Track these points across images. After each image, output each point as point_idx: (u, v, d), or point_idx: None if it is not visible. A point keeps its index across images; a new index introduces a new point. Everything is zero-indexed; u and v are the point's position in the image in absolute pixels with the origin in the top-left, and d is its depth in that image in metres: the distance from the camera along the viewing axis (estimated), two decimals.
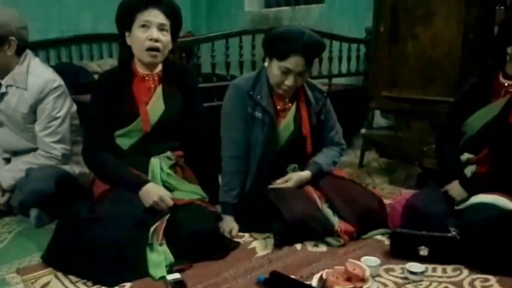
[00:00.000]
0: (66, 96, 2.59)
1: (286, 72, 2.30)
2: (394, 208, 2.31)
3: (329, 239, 2.21)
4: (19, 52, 2.50)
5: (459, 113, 2.36)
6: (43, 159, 2.52)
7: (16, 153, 2.63)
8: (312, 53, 2.31)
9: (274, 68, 2.33)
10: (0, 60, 2.45)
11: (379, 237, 2.30)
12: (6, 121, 2.56)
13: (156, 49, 2.19)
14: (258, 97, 2.37)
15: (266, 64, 2.41)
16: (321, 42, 2.37)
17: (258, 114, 2.37)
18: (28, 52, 2.56)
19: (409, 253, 2.04)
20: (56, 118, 2.53)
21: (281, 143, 2.42)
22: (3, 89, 2.50)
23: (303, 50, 2.26)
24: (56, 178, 2.42)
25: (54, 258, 2.03)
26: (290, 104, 2.46)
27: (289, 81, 2.31)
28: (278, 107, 2.43)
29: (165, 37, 2.22)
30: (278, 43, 2.31)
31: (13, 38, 2.43)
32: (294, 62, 2.27)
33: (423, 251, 2.03)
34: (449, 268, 2.00)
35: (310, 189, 2.37)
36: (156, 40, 2.18)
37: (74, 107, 2.69)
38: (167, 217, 2.05)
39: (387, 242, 2.22)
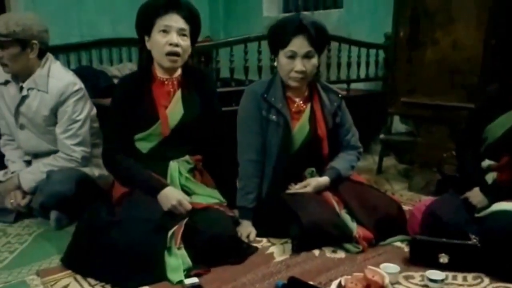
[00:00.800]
0: (86, 99, 2.62)
1: (292, 56, 2.32)
2: (413, 215, 2.29)
3: (348, 245, 2.19)
4: (41, 55, 2.54)
5: (480, 119, 2.34)
6: (63, 161, 2.54)
7: (37, 155, 2.67)
8: (314, 32, 2.30)
9: (282, 59, 2.35)
10: (23, 63, 2.49)
11: (398, 243, 2.28)
12: (27, 123, 2.59)
13: (176, 54, 2.21)
14: (272, 99, 2.38)
15: (275, 63, 2.44)
16: (319, 21, 2.38)
17: (273, 117, 2.38)
18: (49, 56, 2.60)
19: (429, 260, 2.01)
20: (77, 121, 2.55)
21: (296, 146, 2.41)
22: (25, 92, 2.53)
23: (302, 29, 2.29)
24: (76, 181, 2.45)
25: (73, 261, 2.04)
26: (304, 106, 2.45)
27: (297, 66, 2.31)
28: (293, 110, 2.43)
29: (185, 42, 2.23)
30: (278, 32, 2.36)
31: (35, 41, 2.47)
32: (297, 43, 2.30)
33: (443, 259, 2.01)
34: (469, 276, 1.97)
35: (328, 194, 2.35)
36: (176, 45, 2.20)
37: (94, 110, 2.72)
38: (185, 221, 2.06)
39: (406, 249, 2.19)
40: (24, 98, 2.55)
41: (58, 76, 2.56)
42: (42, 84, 2.52)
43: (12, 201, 2.53)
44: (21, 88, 2.55)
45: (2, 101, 2.64)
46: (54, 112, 2.54)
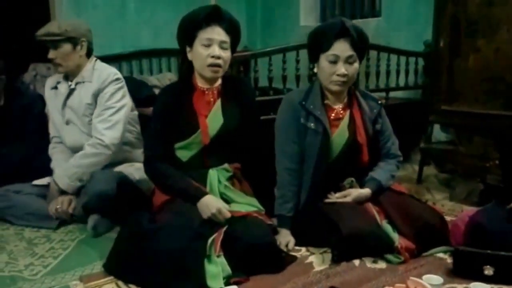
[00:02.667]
0: (125, 92, 2.74)
1: (334, 61, 2.30)
2: (456, 225, 2.23)
3: (389, 256, 2.16)
4: (88, 54, 2.72)
5: None
6: (90, 147, 2.60)
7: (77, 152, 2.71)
8: (356, 36, 2.29)
9: (323, 63, 2.34)
10: (75, 61, 2.68)
11: (441, 255, 2.23)
12: (73, 117, 2.71)
13: (218, 66, 2.24)
14: (311, 106, 2.37)
15: (315, 69, 2.43)
16: (359, 26, 2.38)
17: (311, 124, 2.36)
18: (94, 57, 2.78)
19: (473, 272, 1.96)
20: (111, 108, 2.65)
21: (335, 153, 2.39)
22: (73, 86, 2.70)
23: (344, 33, 2.29)
24: (118, 181, 2.51)
25: (115, 267, 2.07)
26: (343, 113, 2.43)
27: (340, 70, 2.30)
28: (331, 117, 2.41)
29: (226, 54, 2.27)
30: (320, 36, 2.36)
31: (84, 39, 2.66)
32: (339, 47, 2.29)
33: (488, 271, 1.95)
34: None
35: (368, 204, 2.32)
36: (218, 57, 2.23)
37: (135, 112, 2.84)
38: (224, 229, 2.06)
39: (449, 260, 2.14)
40: (72, 91, 2.70)
41: (102, 69, 2.74)
42: (88, 76, 2.69)
43: (58, 206, 2.58)
44: (70, 86, 2.71)
45: (53, 103, 2.78)
46: (95, 99, 2.67)
